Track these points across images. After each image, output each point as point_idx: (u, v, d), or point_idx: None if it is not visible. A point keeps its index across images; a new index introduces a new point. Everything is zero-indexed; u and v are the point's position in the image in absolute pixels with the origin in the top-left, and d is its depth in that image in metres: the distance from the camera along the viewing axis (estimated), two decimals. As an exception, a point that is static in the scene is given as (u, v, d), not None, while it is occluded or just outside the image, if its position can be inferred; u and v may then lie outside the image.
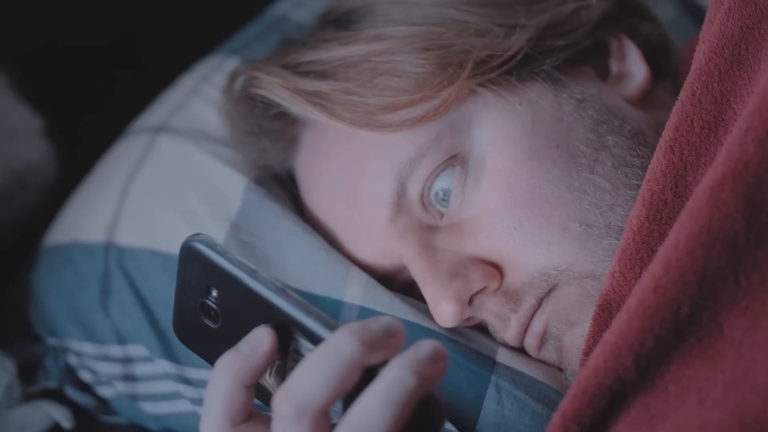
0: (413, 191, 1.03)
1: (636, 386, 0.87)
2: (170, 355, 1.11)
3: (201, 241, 0.85)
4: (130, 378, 1.14)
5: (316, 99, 1.06)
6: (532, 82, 1.05)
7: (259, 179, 1.15)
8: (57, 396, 1.18)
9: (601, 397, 0.87)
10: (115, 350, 1.15)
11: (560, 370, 1.04)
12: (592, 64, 1.09)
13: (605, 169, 1.02)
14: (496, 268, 1.02)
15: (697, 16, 1.34)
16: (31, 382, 1.17)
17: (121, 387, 1.15)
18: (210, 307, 0.86)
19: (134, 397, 1.14)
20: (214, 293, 0.85)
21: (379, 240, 1.05)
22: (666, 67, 1.13)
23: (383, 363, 0.80)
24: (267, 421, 0.84)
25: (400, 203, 1.04)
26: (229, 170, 1.15)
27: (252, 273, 0.83)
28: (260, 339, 0.83)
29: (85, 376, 1.17)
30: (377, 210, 1.04)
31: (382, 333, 0.80)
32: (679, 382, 0.86)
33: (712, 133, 0.91)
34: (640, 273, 0.92)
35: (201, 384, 1.10)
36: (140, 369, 1.14)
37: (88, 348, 1.16)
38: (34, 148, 1.31)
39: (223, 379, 0.83)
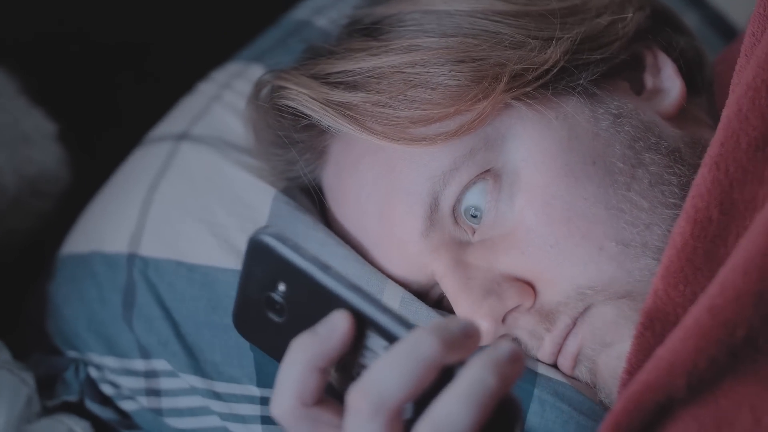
0: (446, 205, 1.00)
1: (685, 400, 0.84)
2: (198, 370, 1.08)
3: (271, 234, 0.83)
4: (154, 392, 1.10)
5: (346, 111, 1.02)
6: (567, 97, 1.01)
7: (287, 190, 1.12)
8: (77, 409, 1.14)
9: (649, 411, 0.85)
10: (139, 364, 1.11)
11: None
12: (626, 78, 1.06)
13: (642, 186, 0.98)
14: (529, 286, 0.99)
15: (719, 26, 1.31)
16: (51, 395, 1.13)
17: (144, 401, 1.11)
18: (276, 301, 0.84)
19: (159, 412, 1.10)
20: (282, 287, 0.83)
21: (411, 255, 1.02)
22: (701, 83, 1.10)
23: (459, 363, 0.79)
24: (336, 409, 0.83)
25: (433, 218, 1.00)
26: (256, 180, 1.12)
27: (325, 269, 0.82)
28: (337, 323, 0.81)
29: (107, 389, 1.13)
30: (410, 224, 1.01)
31: (460, 333, 0.79)
32: (730, 397, 0.83)
33: (759, 151, 0.88)
34: (684, 291, 0.89)
35: (231, 398, 1.06)
36: (165, 383, 1.10)
37: (110, 362, 1.12)
38: (47, 153, 1.27)
39: (298, 359, 0.81)
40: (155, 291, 1.11)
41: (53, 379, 1.15)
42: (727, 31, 1.31)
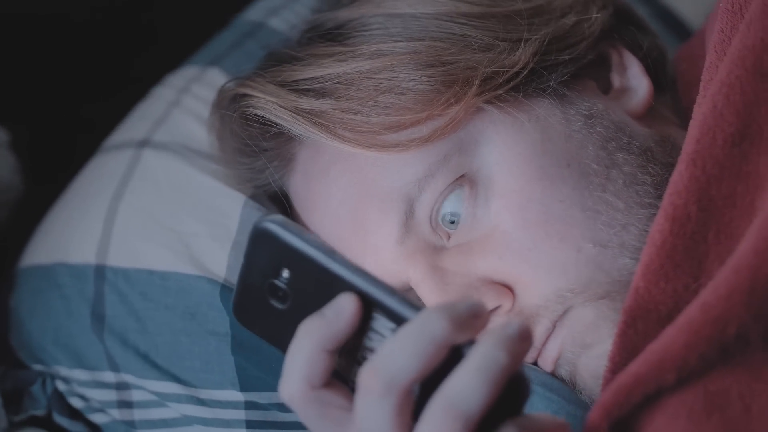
0: (422, 212, 0.99)
1: (673, 387, 0.84)
2: (178, 378, 1.06)
3: (275, 222, 0.82)
4: (126, 404, 1.08)
5: (316, 119, 1.00)
6: (538, 99, 1.00)
7: (255, 197, 1.10)
8: (45, 424, 1.12)
9: (638, 401, 0.85)
10: (109, 376, 1.09)
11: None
12: (593, 77, 1.05)
13: (617, 187, 0.98)
14: (508, 289, 0.98)
15: (668, 21, 1.31)
16: (17, 410, 1.11)
17: (116, 414, 1.09)
18: (279, 287, 0.83)
19: (131, 424, 1.08)
20: (286, 274, 0.83)
21: (385, 261, 1.00)
22: (664, 80, 1.09)
23: (468, 343, 0.79)
24: (344, 391, 0.83)
25: (408, 224, 0.99)
26: (225, 188, 1.10)
27: (331, 253, 0.82)
28: (344, 305, 0.81)
29: (76, 402, 1.11)
30: (384, 231, 1.00)
31: (468, 313, 0.79)
32: (718, 383, 0.83)
33: (735, 147, 0.88)
34: (665, 288, 0.88)
35: (215, 404, 1.05)
36: (137, 395, 1.08)
37: (79, 374, 1.10)
38: (-1, 162, 1.25)
39: (306, 342, 0.81)
40: (127, 301, 1.09)
41: (20, 393, 1.12)
42: (676, 26, 1.31)
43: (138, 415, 1.08)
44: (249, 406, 1.04)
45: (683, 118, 1.07)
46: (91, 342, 1.10)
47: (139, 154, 1.15)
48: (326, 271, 0.82)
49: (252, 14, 1.29)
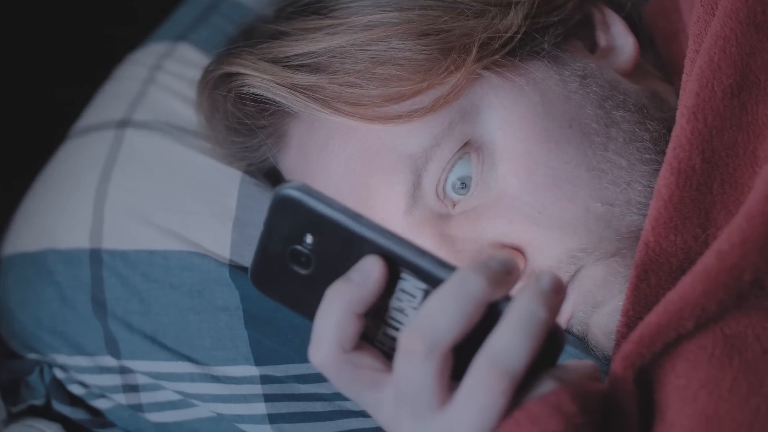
0: (429, 182, 0.98)
1: (690, 333, 0.85)
2: (189, 357, 1.05)
3: (296, 188, 0.82)
4: (132, 388, 1.07)
5: (315, 94, 0.99)
6: (534, 62, 1.01)
7: (249, 172, 1.09)
8: (44, 412, 1.10)
9: (659, 348, 0.86)
10: (111, 360, 1.08)
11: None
12: (580, 38, 1.05)
13: (617, 145, 0.99)
14: (519, 252, 0.98)
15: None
16: (15, 401, 1.09)
17: (122, 398, 1.07)
18: (302, 253, 0.83)
19: (138, 408, 1.07)
20: (309, 239, 0.82)
21: None
22: (643, 36, 1.10)
23: (503, 299, 0.80)
24: (374, 352, 0.83)
25: (415, 195, 0.99)
26: (219, 164, 1.09)
27: (356, 217, 0.82)
28: (371, 267, 0.81)
29: (75, 389, 1.09)
30: (392, 203, 0.99)
31: (502, 269, 0.80)
32: (733, 327, 0.85)
33: (735, 98, 0.89)
34: (675, 240, 0.89)
35: (230, 381, 1.04)
36: (142, 378, 1.07)
37: (80, 361, 1.08)
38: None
39: (335, 306, 0.81)
40: (128, 284, 1.07)
41: (16, 383, 1.10)
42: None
43: (145, 398, 1.07)
44: (265, 380, 1.04)
45: (665, 72, 1.09)
46: (91, 327, 1.08)
47: (121, 134, 1.13)
48: (353, 234, 0.81)
49: None
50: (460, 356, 0.80)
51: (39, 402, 1.10)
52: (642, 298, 0.91)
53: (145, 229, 1.08)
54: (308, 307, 0.84)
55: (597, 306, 0.98)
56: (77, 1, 1.45)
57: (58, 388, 1.10)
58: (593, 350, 0.99)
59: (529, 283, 0.80)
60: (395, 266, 0.82)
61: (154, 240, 1.07)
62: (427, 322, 0.78)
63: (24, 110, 1.39)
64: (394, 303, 0.83)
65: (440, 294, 0.79)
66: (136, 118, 1.14)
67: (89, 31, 1.46)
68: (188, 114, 1.14)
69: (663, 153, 0.98)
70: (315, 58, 1.01)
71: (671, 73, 1.08)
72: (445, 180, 0.99)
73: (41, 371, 1.10)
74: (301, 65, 1.01)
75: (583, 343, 1.00)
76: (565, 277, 0.98)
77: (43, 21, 1.44)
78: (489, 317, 0.80)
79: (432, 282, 0.81)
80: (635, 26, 1.09)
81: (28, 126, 1.38)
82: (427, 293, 0.81)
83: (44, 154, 1.20)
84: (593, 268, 0.98)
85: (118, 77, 1.21)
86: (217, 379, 1.05)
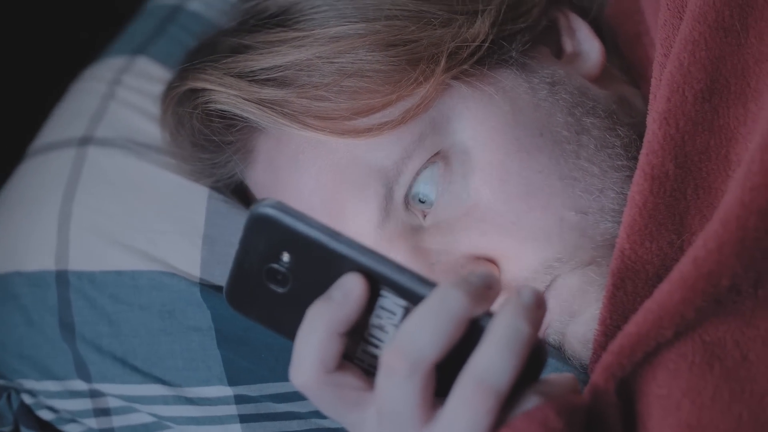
0: (400, 195, 0.97)
1: (670, 341, 0.85)
2: (160, 379, 1.03)
3: (272, 206, 0.80)
4: (103, 412, 1.05)
5: (283, 109, 0.98)
6: (502, 70, 0.99)
7: (217, 188, 1.07)
8: (13, 439, 1.09)
9: (639, 358, 0.85)
10: (81, 384, 1.06)
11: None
12: (546, 44, 1.04)
13: (589, 152, 0.98)
14: (493, 263, 0.97)
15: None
16: (-18, 429, 1.08)
17: (93, 423, 1.05)
18: (278, 271, 0.82)
19: None
20: (286, 257, 0.81)
21: None
22: (607, 40, 1.08)
23: (485, 315, 0.79)
24: (355, 371, 0.81)
25: (387, 208, 0.97)
26: (185, 181, 1.07)
27: (335, 235, 0.80)
28: (352, 285, 0.79)
29: (45, 414, 1.07)
30: (364, 217, 0.97)
31: (483, 284, 0.79)
32: (712, 333, 0.84)
33: (706, 102, 0.89)
34: (651, 247, 0.89)
35: (204, 402, 1.02)
36: (113, 401, 1.05)
37: (50, 386, 1.06)
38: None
39: (317, 326, 0.79)
40: (96, 306, 1.05)
41: (-17, 411, 1.08)
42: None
43: (117, 421, 1.05)
44: (239, 400, 1.02)
45: (630, 75, 1.08)
46: (59, 351, 1.06)
47: (83, 152, 1.11)
48: (331, 252, 0.80)
49: None
50: (443, 373, 0.79)
51: (7, 429, 1.08)
52: (619, 306, 0.90)
53: (112, 249, 1.06)
54: (285, 326, 0.83)
55: (573, 315, 0.97)
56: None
57: (27, 413, 1.08)
58: (570, 359, 0.98)
59: (511, 299, 0.79)
60: (375, 283, 0.81)
61: (122, 260, 1.05)
62: (408, 339, 0.77)
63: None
64: (373, 320, 0.81)
65: (421, 311, 0.78)
66: (97, 135, 1.12)
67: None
68: (151, 130, 1.11)
69: (634, 159, 0.98)
70: (281, 71, 0.99)
71: (636, 77, 1.07)
72: (411, 189, 0.97)
73: (8, 397, 1.08)
74: (268, 79, 1.00)
75: (559, 352, 0.99)
76: (540, 287, 0.96)
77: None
78: (470, 333, 0.79)
79: (412, 299, 0.80)
80: (600, 30, 1.08)
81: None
82: (407, 310, 0.80)
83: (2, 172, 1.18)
84: (569, 278, 0.97)
85: (76, 93, 1.18)
86: (190, 401, 1.03)
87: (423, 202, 0.98)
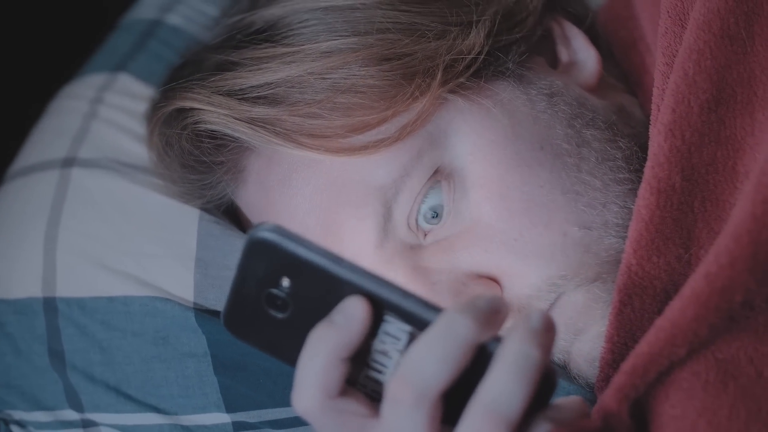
0: (400, 214, 0.93)
1: (683, 360, 0.82)
2: (155, 408, 1.00)
3: (271, 230, 0.78)
4: None
5: (275, 128, 0.94)
6: (499, 82, 0.96)
7: (207, 209, 1.04)
8: (3, 471, 1.05)
9: (652, 378, 0.83)
10: (73, 414, 1.01)
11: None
12: (541, 53, 1.01)
13: (590, 165, 0.95)
14: (495, 282, 0.94)
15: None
16: (-28, 462, 1.04)
17: None
18: (278, 296, 0.79)
19: None
20: (285, 282, 0.79)
21: None
22: (602, 47, 1.05)
23: (493, 340, 0.76)
24: (359, 397, 0.78)
25: (386, 228, 0.94)
26: (174, 203, 1.03)
27: (336, 259, 0.78)
28: (355, 309, 0.77)
29: (35, 446, 1.04)
30: (362, 238, 0.94)
31: (490, 309, 0.76)
32: (725, 351, 0.82)
33: (712, 113, 0.86)
34: (658, 262, 0.86)
35: (201, 430, 0.99)
36: (107, 431, 1.01)
37: (40, 417, 1.02)
38: None
39: (319, 350, 0.76)
40: (87, 333, 1.01)
41: (-29, 443, 1.04)
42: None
43: (110, 450, 1.02)
44: (238, 426, 0.99)
45: (626, 83, 1.05)
46: (49, 380, 1.02)
47: (67, 174, 1.07)
48: (333, 276, 0.78)
49: (143, 12, 1.21)
50: (450, 399, 0.76)
51: (-3, 461, 1.04)
52: (626, 322, 0.88)
53: (102, 274, 1.02)
54: (286, 352, 0.80)
55: (578, 333, 0.94)
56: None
57: (15, 444, 1.04)
58: (575, 378, 0.96)
59: (520, 323, 0.76)
60: (378, 308, 0.78)
61: (112, 285, 1.01)
62: (415, 368, 0.74)
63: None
64: (377, 345, 0.79)
65: (427, 338, 0.75)
66: (81, 156, 1.08)
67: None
68: (137, 150, 1.07)
69: (636, 172, 0.96)
70: (272, 89, 0.96)
71: (633, 84, 1.04)
72: (418, 211, 0.94)
73: (-3, 429, 1.04)
74: (258, 97, 0.96)
75: (564, 371, 0.96)
76: (544, 304, 0.94)
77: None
78: (478, 359, 0.76)
79: (417, 324, 0.77)
80: (595, 39, 1.05)
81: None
82: (412, 335, 0.78)
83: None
84: (573, 295, 0.94)
85: (56, 112, 1.14)
86: (187, 429, 1.00)
87: (435, 218, 0.95)
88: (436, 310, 0.77)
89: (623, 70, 1.05)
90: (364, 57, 0.95)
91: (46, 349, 1.02)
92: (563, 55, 1.03)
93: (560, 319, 0.93)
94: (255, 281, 0.79)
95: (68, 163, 1.08)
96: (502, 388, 0.74)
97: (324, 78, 0.95)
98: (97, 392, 1.01)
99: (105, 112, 1.11)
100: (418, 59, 0.94)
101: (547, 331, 0.76)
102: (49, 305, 1.02)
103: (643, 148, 0.91)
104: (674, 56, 0.90)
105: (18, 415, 1.03)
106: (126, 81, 1.13)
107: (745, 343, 0.82)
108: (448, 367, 0.74)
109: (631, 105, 1.02)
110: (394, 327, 0.78)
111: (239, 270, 0.80)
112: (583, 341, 0.94)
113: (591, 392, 0.94)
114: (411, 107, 0.93)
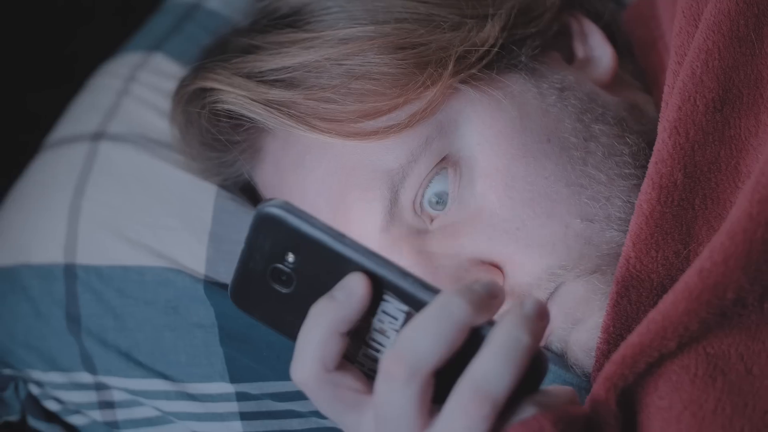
0: (406, 198, 0.94)
1: (673, 353, 0.82)
2: (163, 374, 1.01)
3: (278, 206, 0.79)
4: (107, 405, 1.02)
5: (290, 110, 0.94)
6: (511, 75, 0.96)
7: (225, 187, 1.05)
8: (20, 429, 1.06)
9: (642, 369, 0.83)
10: (86, 377, 1.03)
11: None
12: (557, 49, 1.01)
13: (596, 160, 0.94)
14: (497, 269, 0.93)
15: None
16: (-11, 417, 1.05)
17: (97, 415, 1.03)
18: (283, 271, 0.80)
19: (114, 425, 1.02)
20: (291, 258, 0.80)
21: None
22: (622, 45, 1.05)
23: (486, 324, 0.77)
24: (355, 373, 0.80)
25: (392, 211, 0.94)
26: (194, 178, 1.04)
27: (340, 237, 0.79)
28: (355, 286, 0.78)
29: (51, 405, 1.05)
30: (369, 221, 0.94)
31: (487, 293, 0.77)
32: (716, 346, 0.82)
33: (717, 112, 0.86)
34: (656, 256, 0.86)
35: (206, 398, 1.00)
36: (118, 395, 1.02)
37: (55, 377, 1.03)
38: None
39: (319, 324, 0.78)
40: (103, 300, 1.02)
41: (-9, 400, 1.06)
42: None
43: (121, 414, 1.03)
44: (241, 397, 0.99)
45: (644, 81, 1.04)
46: (66, 343, 1.03)
47: (95, 147, 1.08)
48: (336, 254, 0.79)
49: None
50: (442, 380, 0.77)
51: (14, 418, 1.06)
52: (623, 314, 0.88)
53: (120, 244, 1.03)
54: (288, 326, 0.81)
55: (577, 323, 0.94)
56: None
57: (34, 404, 1.06)
58: (572, 367, 0.95)
59: (513, 308, 0.77)
60: (378, 287, 0.79)
61: (129, 255, 1.03)
62: (409, 345, 0.75)
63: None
64: (375, 324, 0.80)
65: (423, 317, 0.76)
66: (110, 131, 1.09)
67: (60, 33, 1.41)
68: (163, 126, 1.09)
69: (642, 168, 0.95)
70: (290, 73, 0.97)
71: (650, 83, 1.03)
72: (423, 195, 0.94)
73: (16, 387, 1.06)
74: (276, 80, 0.97)
75: (562, 359, 0.95)
76: (544, 294, 0.93)
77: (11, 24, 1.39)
78: (472, 341, 0.77)
79: (415, 304, 0.78)
80: (614, 36, 1.04)
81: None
82: (409, 315, 0.79)
83: (17, 163, 1.16)
84: (573, 285, 0.93)
85: (92, 88, 1.16)
86: (192, 397, 1.00)
87: (438, 204, 0.95)
88: (433, 291, 0.78)
89: (641, 68, 1.05)
90: (380, 45, 0.95)
91: (64, 314, 1.03)
92: (579, 51, 1.03)
93: (559, 308, 0.93)
94: (261, 256, 0.80)
95: (98, 136, 1.09)
96: (490, 368, 0.75)
97: (340, 64, 0.95)
98: (109, 357, 1.02)
99: (137, 90, 1.12)
100: (432, 49, 0.95)
101: (539, 318, 0.77)
102: (70, 271, 1.04)
103: (652, 146, 0.91)
104: (685, 55, 0.89)
105: (36, 374, 1.05)
106: (160, 61, 1.15)
107: (736, 339, 0.82)
108: (442, 347, 0.75)
109: (645, 103, 1.01)
110: (392, 306, 0.79)
111: (247, 244, 0.81)
112: (581, 331, 0.94)
113: (587, 382, 0.94)
114: (422, 95, 0.93)
